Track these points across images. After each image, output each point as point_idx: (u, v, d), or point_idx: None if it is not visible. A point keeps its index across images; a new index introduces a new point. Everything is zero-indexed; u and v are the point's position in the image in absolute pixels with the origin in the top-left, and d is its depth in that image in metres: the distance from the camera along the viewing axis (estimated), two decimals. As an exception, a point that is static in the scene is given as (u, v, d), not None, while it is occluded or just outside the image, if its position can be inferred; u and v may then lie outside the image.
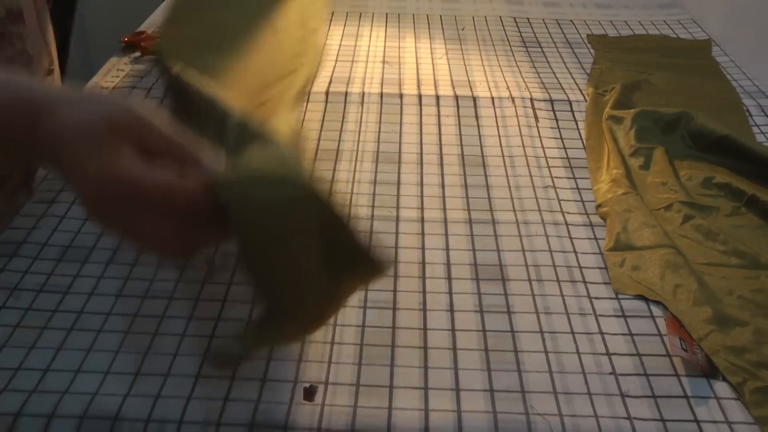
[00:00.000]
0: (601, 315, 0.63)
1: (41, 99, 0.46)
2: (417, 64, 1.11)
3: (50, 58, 0.77)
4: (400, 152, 0.87)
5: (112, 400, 0.53)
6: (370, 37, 1.20)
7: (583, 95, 1.02)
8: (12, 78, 0.48)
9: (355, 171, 0.83)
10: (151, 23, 1.21)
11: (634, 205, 0.75)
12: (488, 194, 0.80)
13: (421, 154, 0.87)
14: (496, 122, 0.94)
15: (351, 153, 0.86)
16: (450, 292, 0.65)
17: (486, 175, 0.83)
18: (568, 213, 0.77)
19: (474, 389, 0.55)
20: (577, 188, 0.81)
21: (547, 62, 1.14)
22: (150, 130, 0.47)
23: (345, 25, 1.25)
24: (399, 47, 1.17)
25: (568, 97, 1.01)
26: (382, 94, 0.99)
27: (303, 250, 0.47)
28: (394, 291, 0.65)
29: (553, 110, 0.97)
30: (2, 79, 0.48)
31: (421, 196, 0.79)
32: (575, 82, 1.06)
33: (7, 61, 0.69)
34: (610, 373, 0.57)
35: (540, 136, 0.91)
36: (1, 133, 0.46)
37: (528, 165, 0.85)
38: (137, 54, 1.11)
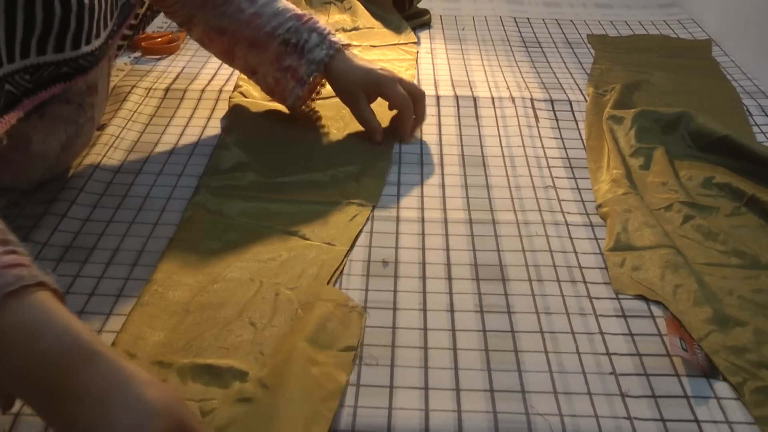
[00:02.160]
0: (601, 315, 0.63)
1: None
2: (417, 64, 1.11)
3: (104, 110, 0.84)
4: (400, 152, 0.87)
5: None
6: (371, 37, 1.21)
7: (583, 95, 1.02)
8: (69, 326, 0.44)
9: (355, 171, 0.83)
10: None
11: (635, 205, 0.75)
12: (488, 194, 0.80)
13: (421, 154, 0.87)
14: (496, 122, 0.94)
15: (351, 153, 0.87)
16: (450, 293, 0.65)
17: (486, 175, 0.83)
18: (568, 213, 0.77)
19: (474, 389, 0.55)
20: (577, 188, 0.81)
21: (547, 62, 1.14)
22: None
23: (345, 25, 1.25)
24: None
25: (568, 97, 1.01)
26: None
27: None
28: (394, 291, 0.65)
29: (553, 110, 0.97)
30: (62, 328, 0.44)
31: (421, 196, 0.79)
32: (575, 82, 1.06)
33: (78, 127, 0.74)
34: (611, 373, 0.57)
35: (540, 136, 0.91)
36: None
37: (528, 165, 0.85)
38: (137, 54, 1.11)
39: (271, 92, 0.91)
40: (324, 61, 0.85)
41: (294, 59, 0.85)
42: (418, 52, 1.15)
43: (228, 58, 0.90)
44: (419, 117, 0.89)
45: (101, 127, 0.87)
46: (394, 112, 0.89)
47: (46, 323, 0.43)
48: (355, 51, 1.12)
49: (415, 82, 1.04)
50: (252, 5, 0.85)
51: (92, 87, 0.74)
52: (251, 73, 0.90)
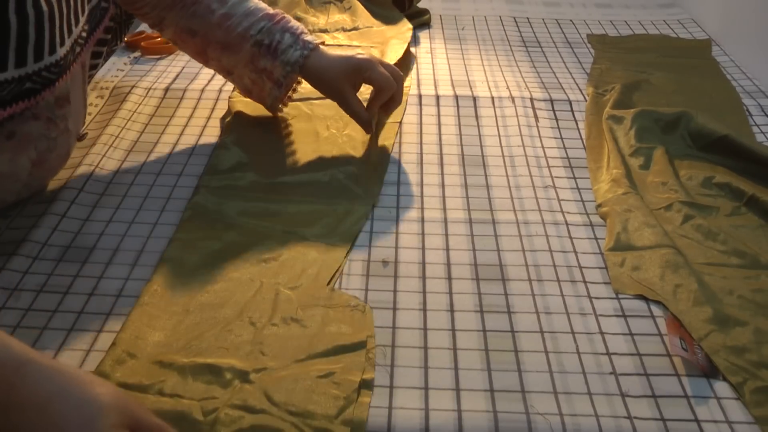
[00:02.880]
0: (601, 315, 0.63)
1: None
2: (417, 64, 1.11)
3: (84, 119, 0.82)
4: (400, 152, 0.87)
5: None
6: (370, 37, 1.20)
7: (583, 95, 1.02)
8: None
9: (355, 171, 0.83)
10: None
11: (634, 205, 0.75)
12: (488, 194, 0.80)
13: (421, 154, 0.87)
14: (496, 122, 0.94)
15: (351, 153, 0.86)
16: (450, 292, 0.65)
17: (486, 175, 0.83)
18: (568, 213, 0.77)
19: (474, 389, 0.55)
20: (577, 188, 0.81)
21: (547, 62, 1.14)
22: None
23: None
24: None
25: (568, 96, 1.01)
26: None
27: None
28: (394, 291, 0.65)
29: (553, 110, 0.97)
30: None
31: (421, 196, 0.79)
32: (575, 82, 1.06)
33: (50, 141, 0.71)
34: (611, 373, 0.57)
35: (540, 136, 0.91)
36: None
37: (528, 165, 0.85)
38: (137, 54, 1.11)
39: (249, 93, 0.89)
40: (299, 62, 0.83)
41: (268, 61, 0.83)
42: (413, 48, 1.15)
43: (202, 58, 0.88)
44: (397, 99, 0.86)
45: (81, 137, 0.85)
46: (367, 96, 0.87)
47: None
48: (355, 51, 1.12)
49: (415, 82, 1.05)
50: (222, 5, 0.83)
51: (62, 98, 0.71)
52: (227, 73, 0.88)
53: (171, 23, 0.85)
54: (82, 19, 0.70)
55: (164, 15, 0.84)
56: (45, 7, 0.62)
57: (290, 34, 0.83)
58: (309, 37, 0.84)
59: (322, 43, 0.85)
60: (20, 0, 0.60)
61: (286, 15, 0.86)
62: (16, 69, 0.62)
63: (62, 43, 0.66)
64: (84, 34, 0.71)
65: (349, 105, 0.84)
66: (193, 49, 0.87)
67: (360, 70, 0.83)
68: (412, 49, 1.16)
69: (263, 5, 0.85)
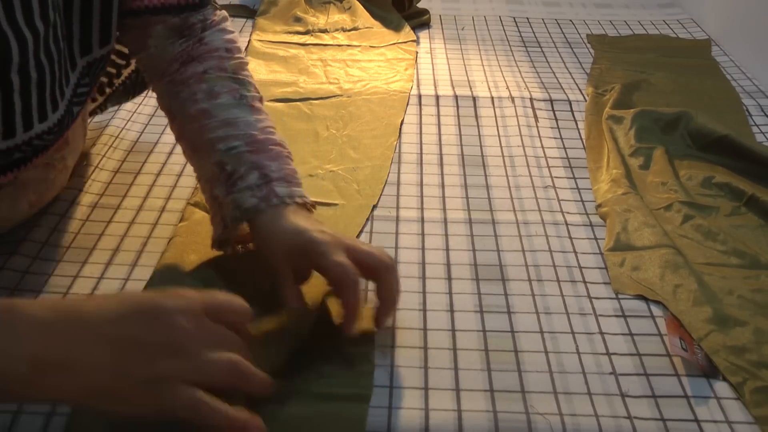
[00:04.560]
0: (601, 315, 0.63)
1: None
2: (417, 64, 1.11)
3: (82, 146, 0.78)
4: (399, 152, 0.87)
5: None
6: (370, 37, 1.21)
7: (583, 95, 1.02)
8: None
9: (355, 171, 0.83)
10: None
11: (634, 205, 0.75)
12: (488, 194, 0.80)
13: (421, 154, 0.87)
14: (496, 122, 0.94)
15: (351, 153, 0.86)
16: (450, 293, 0.65)
17: (486, 175, 0.83)
18: (568, 213, 0.77)
19: (474, 389, 0.55)
20: (577, 188, 0.81)
21: (547, 62, 1.14)
22: None
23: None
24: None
25: (567, 97, 1.01)
26: (381, 94, 0.99)
27: None
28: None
29: (553, 110, 0.98)
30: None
31: (421, 196, 0.79)
32: (575, 82, 1.06)
33: (48, 182, 0.70)
34: (611, 373, 0.57)
35: (540, 136, 0.91)
36: None
37: (528, 165, 0.85)
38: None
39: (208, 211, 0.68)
40: (249, 214, 0.60)
41: (222, 191, 0.62)
42: (417, 52, 1.15)
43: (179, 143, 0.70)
44: (387, 298, 0.58)
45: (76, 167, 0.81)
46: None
47: None
48: (355, 51, 1.12)
49: (415, 81, 1.04)
50: (208, 99, 0.64)
51: (60, 142, 0.64)
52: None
53: (157, 91, 0.70)
54: (73, 78, 0.61)
55: (153, 80, 0.70)
56: (34, 74, 0.53)
57: (259, 174, 0.61)
58: (284, 190, 0.61)
59: (308, 205, 0.63)
60: (3, 67, 0.51)
61: (279, 147, 0.64)
62: (4, 141, 0.55)
63: (55, 109, 0.58)
64: (84, 90, 0.62)
65: (280, 286, 0.59)
66: (172, 127, 0.69)
67: (307, 252, 0.57)
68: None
69: (259, 122, 0.65)
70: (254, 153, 0.62)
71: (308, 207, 0.63)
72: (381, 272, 0.57)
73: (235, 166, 0.62)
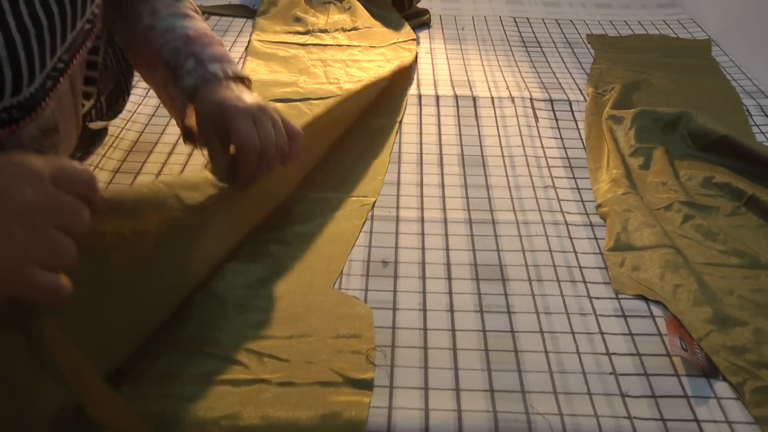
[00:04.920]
0: (601, 315, 0.63)
1: None
2: (417, 64, 1.11)
3: (76, 140, 0.77)
4: (400, 152, 0.87)
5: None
6: (370, 37, 1.21)
7: (583, 95, 1.02)
8: None
9: (355, 171, 0.83)
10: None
11: (634, 205, 0.75)
12: (488, 194, 0.80)
13: (421, 154, 0.87)
14: (496, 122, 0.94)
15: (351, 153, 0.86)
16: (450, 293, 0.65)
17: (486, 175, 0.83)
18: (568, 213, 0.77)
19: (474, 389, 0.55)
20: (577, 188, 0.81)
21: (547, 62, 1.14)
22: None
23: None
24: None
25: (567, 97, 1.01)
26: (381, 94, 0.99)
27: None
28: (394, 291, 0.65)
29: (553, 110, 0.97)
30: None
31: (421, 196, 0.79)
32: (575, 82, 1.06)
33: None
34: (611, 373, 0.57)
35: (540, 136, 0.91)
36: None
37: (528, 165, 0.85)
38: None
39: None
40: (190, 92, 0.67)
41: (172, 87, 0.70)
42: (417, 53, 1.15)
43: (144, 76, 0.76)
44: (287, 154, 0.66)
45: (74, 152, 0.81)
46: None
47: None
48: (355, 51, 1.12)
49: (415, 82, 1.05)
50: (152, 17, 0.72)
51: (50, 129, 0.64)
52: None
53: (115, 31, 0.76)
54: (59, 50, 0.60)
55: (115, 27, 0.75)
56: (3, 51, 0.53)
57: (194, 59, 0.69)
58: (216, 67, 0.68)
59: (243, 79, 0.70)
60: None
61: (210, 39, 0.72)
62: None
63: (31, 82, 0.57)
64: (61, 65, 0.62)
65: (209, 152, 0.67)
66: (135, 63, 0.76)
67: (222, 117, 0.64)
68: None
69: (192, 24, 0.72)
70: (189, 45, 0.70)
71: (244, 81, 0.70)
72: (285, 136, 0.65)
73: (176, 60, 0.69)
